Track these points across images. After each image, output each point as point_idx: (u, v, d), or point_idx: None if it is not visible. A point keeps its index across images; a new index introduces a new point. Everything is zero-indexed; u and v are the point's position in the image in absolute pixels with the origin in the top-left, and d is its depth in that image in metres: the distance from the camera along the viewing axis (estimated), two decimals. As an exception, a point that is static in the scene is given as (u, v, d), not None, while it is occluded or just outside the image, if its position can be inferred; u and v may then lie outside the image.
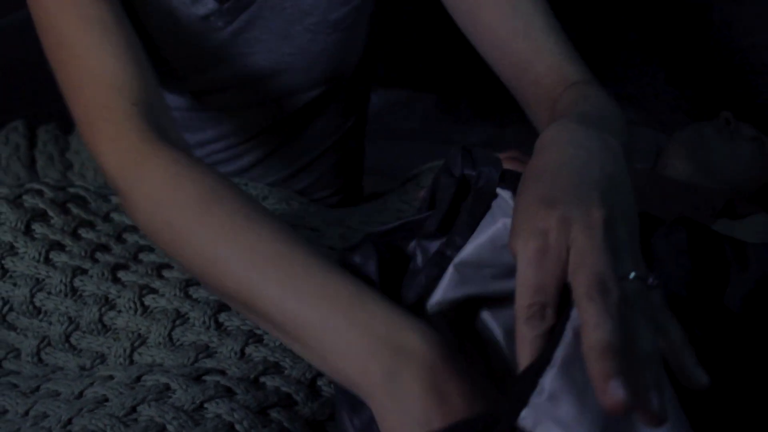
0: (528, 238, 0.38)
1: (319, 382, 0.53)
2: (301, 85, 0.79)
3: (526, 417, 0.35)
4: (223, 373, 0.52)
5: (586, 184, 0.40)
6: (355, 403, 0.43)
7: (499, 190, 0.48)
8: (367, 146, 1.01)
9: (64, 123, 0.91)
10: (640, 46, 1.40)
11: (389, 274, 0.48)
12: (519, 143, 1.35)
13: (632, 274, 0.37)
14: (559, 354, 0.36)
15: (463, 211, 0.49)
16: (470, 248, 0.46)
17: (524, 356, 0.36)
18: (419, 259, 0.49)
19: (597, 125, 0.47)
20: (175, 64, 0.75)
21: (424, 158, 0.95)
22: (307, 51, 0.74)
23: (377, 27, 0.81)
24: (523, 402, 0.35)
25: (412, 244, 0.50)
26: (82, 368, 0.56)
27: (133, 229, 0.67)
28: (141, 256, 0.63)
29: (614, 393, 0.32)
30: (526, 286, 0.37)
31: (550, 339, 0.36)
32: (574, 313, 0.36)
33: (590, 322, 0.34)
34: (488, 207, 0.48)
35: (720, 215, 1.10)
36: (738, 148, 1.26)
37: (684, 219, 0.63)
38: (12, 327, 0.59)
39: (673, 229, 0.62)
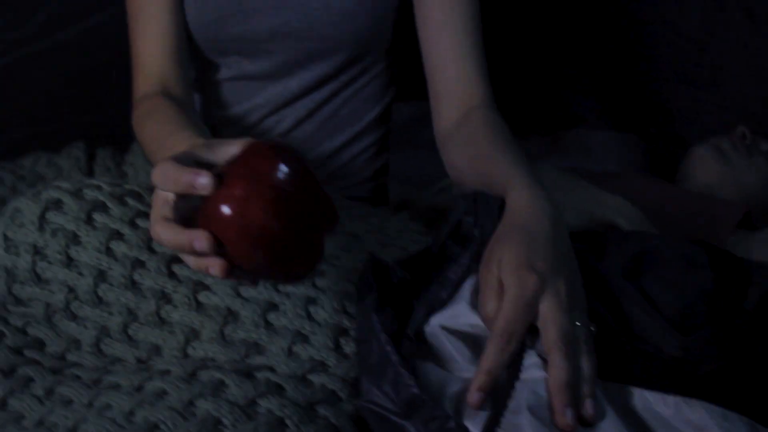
0: (514, 286, 0.53)
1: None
2: (329, 45, 0.86)
3: None
4: (272, 370, 0.56)
5: (558, 255, 0.56)
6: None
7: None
8: (391, 154, 1.05)
9: (121, 146, 0.97)
10: (659, 60, 1.43)
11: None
12: (536, 155, 1.40)
13: (580, 324, 0.54)
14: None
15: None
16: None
17: (487, 361, 0.51)
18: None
19: (540, 187, 0.63)
20: (215, 15, 0.85)
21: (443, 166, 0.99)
22: (331, 6, 0.83)
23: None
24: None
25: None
26: (139, 360, 0.59)
27: None
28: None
29: (568, 417, 0.50)
30: (507, 315, 0.52)
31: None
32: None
33: (555, 364, 0.51)
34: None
35: (738, 227, 1.13)
36: (755, 161, 1.29)
37: (701, 242, 0.68)
38: (73, 317, 0.62)
39: (693, 248, 0.67)
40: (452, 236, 0.63)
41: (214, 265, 0.48)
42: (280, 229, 0.47)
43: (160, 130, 0.71)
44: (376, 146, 1.00)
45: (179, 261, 0.64)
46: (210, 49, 0.89)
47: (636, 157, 1.46)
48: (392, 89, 0.98)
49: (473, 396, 0.50)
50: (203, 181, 0.47)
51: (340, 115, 0.94)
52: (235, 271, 0.49)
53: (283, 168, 0.48)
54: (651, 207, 1.01)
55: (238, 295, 0.61)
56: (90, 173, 0.96)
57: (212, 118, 0.95)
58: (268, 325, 0.60)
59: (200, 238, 0.47)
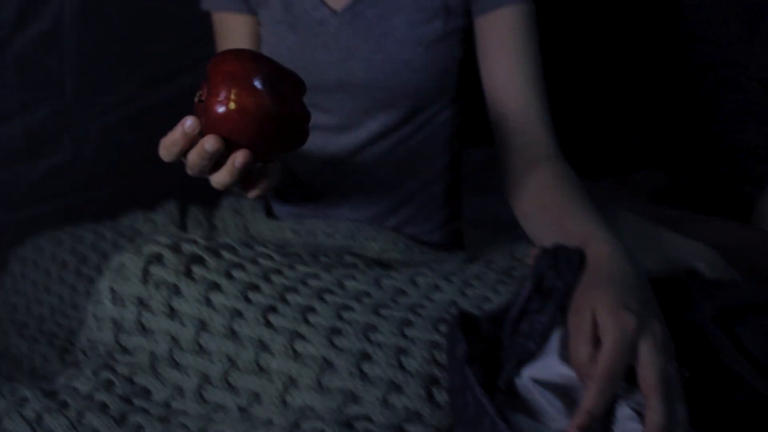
0: (614, 327, 0.53)
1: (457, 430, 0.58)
2: (395, 96, 0.90)
3: None
4: (370, 419, 0.57)
5: (646, 301, 0.58)
6: None
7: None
8: (464, 200, 1.07)
9: (210, 201, 1.03)
10: (728, 101, 1.42)
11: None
12: (607, 198, 1.40)
13: (673, 369, 0.54)
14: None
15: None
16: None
17: (588, 402, 0.52)
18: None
19: (616, 238, 0.66)
20: (294, 65, 0.88)
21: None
22: (395, 60, 0.87)
23: (469, 47, 0.91)
24: None
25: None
26: (240, 408, 0.62)
27: (278, 271, 0.74)
28: (288, 296, 0.69)
29: None
30: (608, 356, 0.52)
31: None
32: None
33: (653, 407, 0.51)
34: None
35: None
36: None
37: None
38: (176, 365, 0.65)
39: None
40: (536, 289, 0.64)
41: (237, 156, 0.60)
42: (270, 100, 0.59)
43: None
44: (447, 192, 1.01)
45: (275, 311, 0.67)
46: None
47: (708, 198, 1.44)
48: (461, 136, 1.00)
49: None
50: (188, 122, 0.60)
51: (409, 163, 0.97)
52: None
53: (246, 63, 0.60)
54: (730, 250, 0.99)
55: (333, 345, 0.63)
56: (183, 227, 1.02)
57: (286, 170, 0.99)
58: (363, 374, 0.61)
59: (208, 139, 0.59)
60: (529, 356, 0.59)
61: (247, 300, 0.67)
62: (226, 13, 0.95)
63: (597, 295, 0.57)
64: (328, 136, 0.95)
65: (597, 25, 1.57)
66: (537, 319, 0.61)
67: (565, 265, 0.63)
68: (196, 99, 0.61)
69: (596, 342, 0.55)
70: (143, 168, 1.26)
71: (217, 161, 0.62)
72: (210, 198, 1.01)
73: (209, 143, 0.59)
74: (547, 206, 0.77)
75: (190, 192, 1.09)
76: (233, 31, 0.95)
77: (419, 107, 0.93)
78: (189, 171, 0.64)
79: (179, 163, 0.64)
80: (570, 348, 0.57)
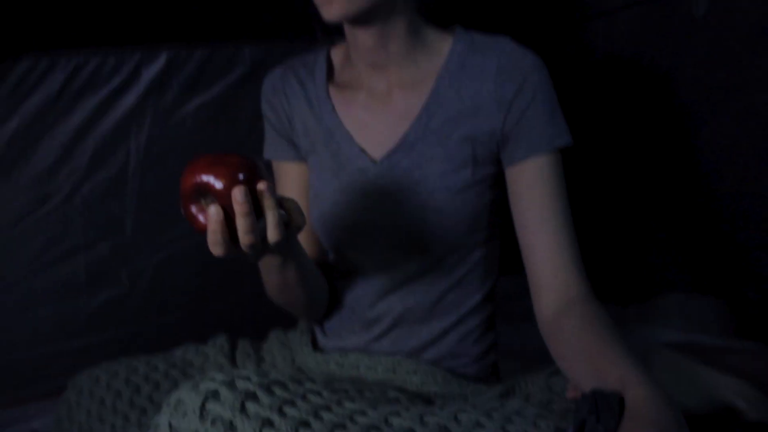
0: None
1: None
2: (427, 242, 0.94)
3: None
4: None
5: None
6: None
7: None
8: (497, 328, 1.08)
9: (258, 334, 1.10)
10: (751, 228, 1.45)
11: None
12: (635, 324, 1.40)
13: None
14: None
15: None
16: None
17: None
18: None
19: (654, 380, 0.69)
20: (335, 213, 0.97)
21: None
22: (426, 207, 0.93)
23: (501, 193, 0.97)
24: None
25: None
26: None
27: (327, 408, 0.77)
28: (336, 432, 0.72)
29: None
30: None
31: None
32: None
33: None
34: None
35: None
36: None
37: None
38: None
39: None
40: None
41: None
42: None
43: None
44: (482, 326, 1.04)
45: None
46: (327, 243, 1.02)
47: (737, 324, 1.44)
48: (494, 272, 1.04)
49: None
50: (212, 210, 0.72)
51: (444, 301, 1.00)
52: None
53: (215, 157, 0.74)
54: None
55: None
56: (233, 360, 1.06)
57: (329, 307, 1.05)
58: None
59: (236, 192, 0.70)
60: None
61: (299, 435, 0.70)
62: (282, 162, 1.06)
63: None
64: (365, 276, 1.00)
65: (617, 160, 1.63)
66: None
67: (605, 410, 0.66)
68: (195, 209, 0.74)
69: None
70: (194, 302, 1.33)
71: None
72: (257, 331, 1.07)
73: (238, 194, 0.70)
74: (582, 349, 0.80)
75: (238, 325, 1.15)
76: (288, 177, 1.05)
77: (452, 249, 0.97)
78: (246, 249, 0.74)
79: (232, 256, 0.74)
80: None
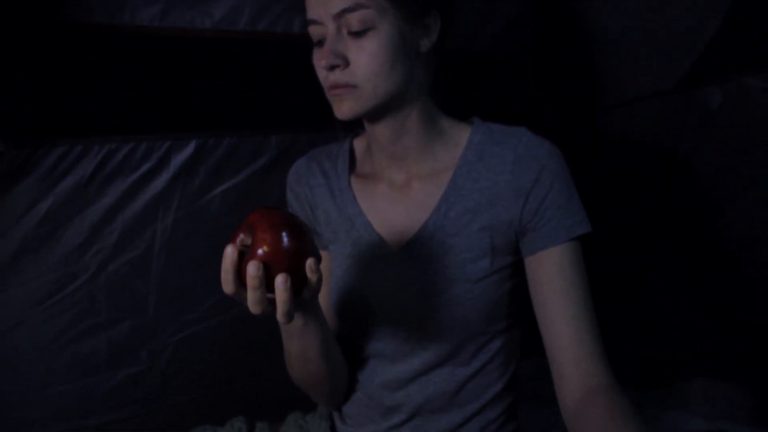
0: None
1: None
2: (446, 329, 0.94)
3: None
4: None
5: None
6: None
7: None
8: (520, 411, 1.07)
9: (277, 415, 1.10)
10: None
11: None
12: (658, 409, 1.37)
13: None
14: None
15: None
16: None
17: None
18: None
19: None
20: (354, 297, 0.98)
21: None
22: (443, 295, 0.93)
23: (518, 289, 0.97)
24: None
25: None
26: None
27: None
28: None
29: None
30: None
31: None
32: None
33: None
34: None
35: None
36: None
37: None
38: None
39: None
40: None
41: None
42: (294, 245, 0.74)
43: None
44: (504, 415, 1.03)
45: None
46: (348, 327, 1.02)
47: (765, 411, 1.41)
48: (515, 360, 1.04)
49: None
50: (228, 250, 0.73)
51: (465, 390, 1.00)
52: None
53: (278, 217, 0.75)
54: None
55: None
56: None
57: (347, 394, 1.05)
58: None
59: (252, 264, 0.71)
60: None
61: None
62: None
63: None
64: (384, 364, 1.00)
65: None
66: None
67: None
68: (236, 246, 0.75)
69: None
70: (213, 382, 1.34)
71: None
72: (275, 414, 1.07)
73: (252, 266, 0.72)
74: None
75: (256, 407, 1.16)
76: None
77: (471, 338, 0.97)
78: (253, 308, 0.75)
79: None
80: None
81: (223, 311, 1.36)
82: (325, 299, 1.01)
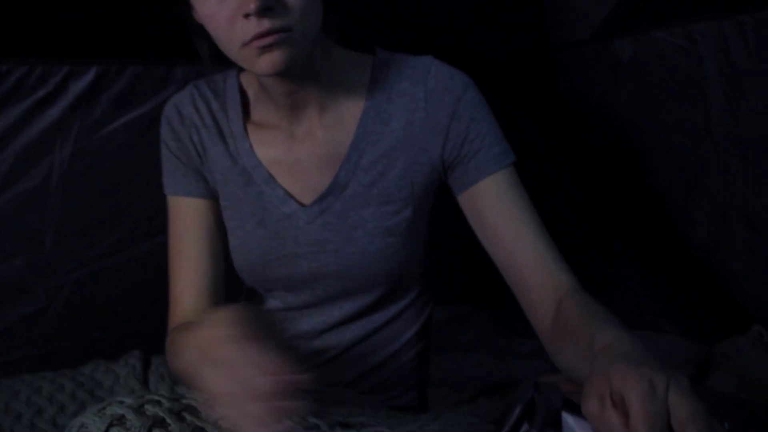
0: (637, 382, 0.51)
1: None
2: (365, 283, 0.92)
3: None
4: None
5: (663, 366, 0.54)
6: None
7: (564, 414, 0.59)
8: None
9: None
10: (669, 266, 1.50)
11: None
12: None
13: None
14: None
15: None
16: None
17: None
18: None
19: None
20: (261, 260, 0.92)
21: (480, 369, 1.02)
22: (367, 252, 0.89)
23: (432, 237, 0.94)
24: None
25: None
26: None
27: None
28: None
29: None
30: (646, 416, 0.50)
31: None
32: None
33: None
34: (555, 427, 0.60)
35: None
36: (773, 359, 1.30)
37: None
38: None
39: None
40: (524, 410, 0.66)
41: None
42: None
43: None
44: (417, 359, 1.02)
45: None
46: (256, 286, 0.97)
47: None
48: (429, 306, 1.02)
49: None
50: None
51: (381, 336, 0.98)
52: None
53: None
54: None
55: None
56: (145, 380, 1.02)
57: None
58: None
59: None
60: None
61: (205, 462, 0.68)
62: (187, 198, 0.95)
63: (614, 370, 0.55)
64: (301, 314, 0.97)
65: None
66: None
67: (549, 391, 0.65)
68: None
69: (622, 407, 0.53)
70: (114, 321, 1.29)
71: None
72: None
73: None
74: (575, 340, 0.75)
75: (158, 342, 1.11)
76: (195, 215, 0.95)
77: (392, 289, 0.94)
78: None
79: None
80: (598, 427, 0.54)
81: (125, 249, 1.30)
82: (202, 249, 0.94)
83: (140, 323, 1.27)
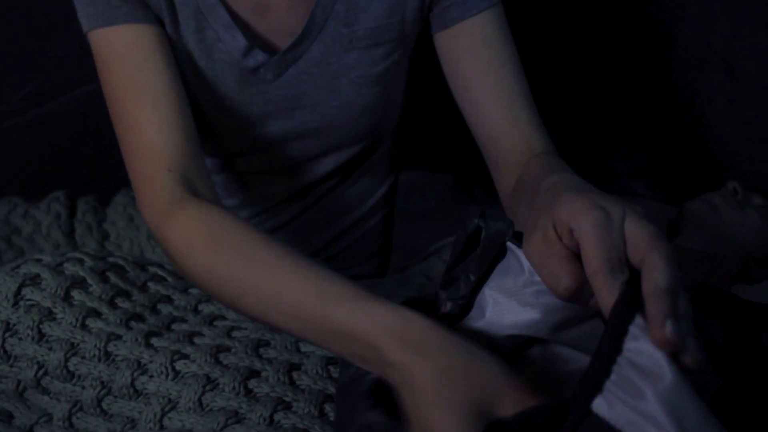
0: (589, 209, 0.42)
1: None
2: (347, 139, 0.82)
3: (600, 404, 0.37)
4: (252, 439, 0.53)
5: (613, 198, 0.45)
6: None
7: (509, 244, 0.51)
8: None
9: (103, 195, 0.96)
10: (642, 122, 1.45)
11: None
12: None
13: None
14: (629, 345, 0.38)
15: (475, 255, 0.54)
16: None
17: (608, 301, 0.39)
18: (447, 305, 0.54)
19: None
20: (221, 123, 0.78)
21: (442, 237, 0.97)
22: (353, 104, 0.78)
23: (413, 83, 0.84)
24: (597, 388, 0.37)
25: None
26: (112, 434, 0.56)
27: (167, 299, 0.69)
28: (174, 326, 0.64)
29: (669, 331, 0.37)
30: (601, 243, 0.41)
31: (617, 331, 0.39)
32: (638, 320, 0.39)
33: (657, 266, 0.39)
34: (499, 254, 0.52)
35: (735, 281, 1.12)
36: (747, 216, 1.28)
37: (702, 284, 0.65)
38: (45, 391, 0.60)
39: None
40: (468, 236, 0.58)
41: None
42: None
43: (291, 287, 0.56)
44: (381, 225, 0.97)
45: (157, 334, 0.62)
46: (212, 153, 0.84)
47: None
48: (396, 166, 0.95)
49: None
50: None
51: (349, 195, 0.90)
52: None
53: None
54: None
55: (218, 362, 0.59)
56: (71, 231, 0.93)
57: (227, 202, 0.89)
58: (249, 392, 0.57)
59: None
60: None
61: (128, 327, 0.63)
62: (131, 24, 0.70)
63: (562, 200, 0.45)
64: (276, 175, 0.86)
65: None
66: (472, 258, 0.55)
67: (495, 217, 0.57)
68: None
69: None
70: (36, 176, 1.17)
71: None
72: (103, 192, 0.94)
73: None
74: (526, 189, 0.67)
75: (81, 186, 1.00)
76: (147, 46, 0.70)
77: (375, 144, 0.85)
78: None
79: None
80: (543, 270, 0.45)
81: (40, 104, 1.15)
82: (171, 80, 0.70)
83: (66, 179, 1.11)
